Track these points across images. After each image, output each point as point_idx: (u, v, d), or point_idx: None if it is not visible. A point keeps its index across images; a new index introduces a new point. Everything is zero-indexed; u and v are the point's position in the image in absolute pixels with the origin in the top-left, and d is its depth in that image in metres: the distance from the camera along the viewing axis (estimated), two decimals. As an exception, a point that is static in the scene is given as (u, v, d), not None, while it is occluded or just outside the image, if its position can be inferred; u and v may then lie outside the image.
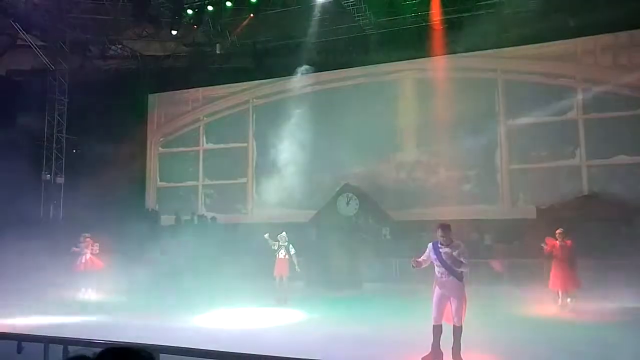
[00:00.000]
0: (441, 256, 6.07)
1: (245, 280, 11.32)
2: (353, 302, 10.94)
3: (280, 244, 10.68)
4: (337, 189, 15.47)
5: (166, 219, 17.64)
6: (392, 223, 14.63)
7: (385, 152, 15.75)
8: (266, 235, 10.65)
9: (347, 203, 15.08)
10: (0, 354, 4.45)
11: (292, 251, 10.61)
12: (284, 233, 10.82)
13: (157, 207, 18.34)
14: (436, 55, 14.58)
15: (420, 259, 6.24)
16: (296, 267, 10.44)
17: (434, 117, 14.59)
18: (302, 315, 9.62)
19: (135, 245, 13.76)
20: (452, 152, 14.56)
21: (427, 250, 6.26)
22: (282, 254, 10.62)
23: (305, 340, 7.18)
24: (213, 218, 17.07)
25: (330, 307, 10.34)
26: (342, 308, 10.28)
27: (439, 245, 6.16)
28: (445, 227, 6.23)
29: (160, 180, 18.79)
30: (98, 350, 1.69)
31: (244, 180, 17.60)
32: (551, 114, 13.89)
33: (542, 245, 9.92)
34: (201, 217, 17.08)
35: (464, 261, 6.06)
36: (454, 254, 6.02)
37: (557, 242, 9.85)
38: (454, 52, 14.65)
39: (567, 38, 13.98)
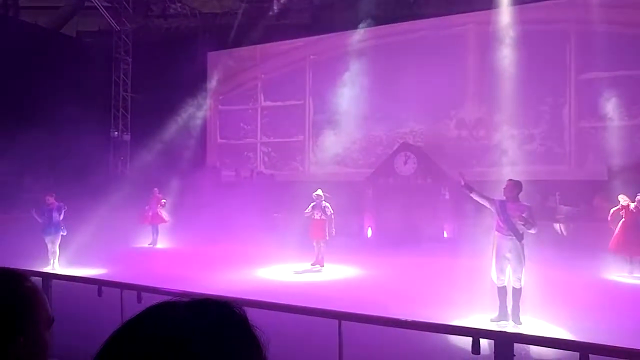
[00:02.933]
0: (506, 213, 5.89)
1: (301, 238, 10.93)
2: (410, 261, 10.62)
3: (314, 203, 9.80)
4: (395, 147, 15.11)
5: (226, 175, 17.72)
6: (451, 183, 13.59)
7: (446, 108, 15.18)
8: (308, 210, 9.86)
9: (405, 162, 14.60)
10: (84, 296, 4.93)
11: (329, 212, 9.74)
12: (319, 191, 9.93)
13: (217, 163, 18.44)
14: (502, 6, 14.02)
15: (474, 189, 6.10)
16: (333, 230, 9.70)
17: (499, 72, 13.85)
18: (358, 272, 9.60)
19: (198, 199, 14.38)
20: (516, 109, 13.88)
21: (491, 202, 6.08)
22: (317, 214, 9.74)
23: (364, 298, 7.17)
24: (271, 175, 17.14)
25: (387, 266, 10.14)
26: (399, 267, 10.06)
27: (506, 202, 5.97)
28: (515, 184, 6.04)
29: (221, 138, 18.87)
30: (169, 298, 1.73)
31: (300, 137, 17.47)
32: (627, 67, 13.02)
33: (622, 203, 9.47)
34: (260, 173, 17.14)
35: (531, 222, 5.82)
36: (524, 214, 5.80)
37: (632, 204, 9.43)
38: (522, 3, 13.95)
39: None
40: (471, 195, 6.16)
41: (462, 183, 6.19)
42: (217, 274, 8.87)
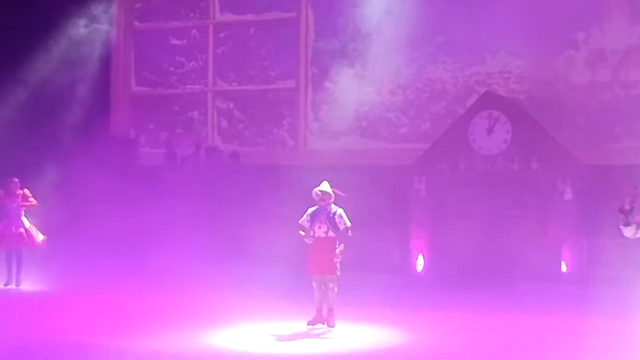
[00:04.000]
0: None
1: (290, 273, 11.08)
2: (496, 321, 10.00)
3: (315, 209, 9.54)
4: (471, 101, 14.27)
5: (149, 154, 16.95)
6: (576, 168, 13.14)
7: (569, 29, 14.22)
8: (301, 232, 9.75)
9: (490, 130, 13.43)
10: None
11: (344, 225, 9.37)
12: (325, 185, 9.54)
13: (132, 131, 17.73)
14: None
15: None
16: (344, 254, 9.44)
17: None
18: (398, 340, 9.07)
19: (95, 198, 14.25)
20: None
21: None
22: (320, 229, 9.42)
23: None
24: (234, 154, 15.91)
25: (452, 330, 9.49)
26: (476, 332, 9.39)
27: None
28: None
29: (138, 84, 18.04)
30: None
31: (290, 84, 16.58)
32: None
33: None
34: (212, 151, 16.17)
35: None
36: None
37: None
38: None
39: None
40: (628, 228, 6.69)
41: (627, 206, 6.63)
42: (133, 341, 8.47)
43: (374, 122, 15.30)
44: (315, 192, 9.46)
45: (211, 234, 13.53)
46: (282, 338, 9.21)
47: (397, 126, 15.30)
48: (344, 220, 9.37)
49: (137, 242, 13.13)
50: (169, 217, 13.20)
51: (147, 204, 13.32)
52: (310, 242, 9.49)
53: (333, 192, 9.47)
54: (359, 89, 14.74)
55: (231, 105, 17.23)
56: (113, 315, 10.32)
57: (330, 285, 9.42)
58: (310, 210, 9.46)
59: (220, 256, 13.01)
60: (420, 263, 13.53)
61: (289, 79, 16.64)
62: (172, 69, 17.78)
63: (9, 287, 12.69)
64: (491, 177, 13.28)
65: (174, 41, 17.74)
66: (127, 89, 18.39)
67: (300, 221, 9.54)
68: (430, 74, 15.14)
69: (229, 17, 17.27)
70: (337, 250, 9.36)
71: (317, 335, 9.30)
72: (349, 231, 9.39)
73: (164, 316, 10.13)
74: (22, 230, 12.75)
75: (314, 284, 9.54)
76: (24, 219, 12.81)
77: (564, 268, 12.65)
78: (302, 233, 9.44)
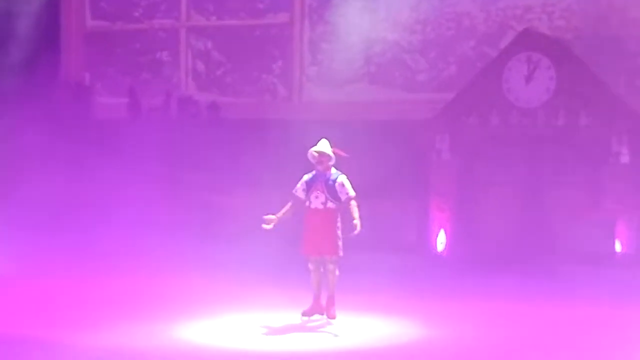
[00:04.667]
0: None
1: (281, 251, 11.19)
2: (534, 313, 9.80)
3: (311, 175, 9.40)
4: (503, 42, 14.16)
5: (106, 105, 16.66)
6: (635, 124, 12.96)
7: None
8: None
9: (529, 75, 13.27)
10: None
11: (346, 194, 9.22)
12: (323, 144, 9.37)
13: (87, 76, 17.28)
14: None
15: None
16: (356, 222, 9.11)
17: None
18: (415, 335, 8.92)
19: (39, 160, 14.17)
20: None
21: None
22: (318, 199, 9.30)
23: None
24: (212, 106, 15.83)
25: (480, 322, 9.33)
26: (509, 326, 9.19)
27: None
28: None
29: (95, 17, 17.68)
30: None
31: (282, 18, 16.30)
32: None
33: None
34: (185, 102, 15.99)
35: None
36: None
37: None
38: None
39: None
40: None
41: None
42: (83, 337, 8.18)
43: (386, 66, 14.98)
44: (311, 154, 9.20)
45: (183, 204, 13.36)
46: (270, 332, 8.93)
47: (415, 71, 15.00)
48: (346, 189, 9.06)
49: (87, 212, 12.93)
50: (130, 184, 12.97)
51: (102, 167, 13.07)
52: (270, 227, 9.18)
53: (334, 153, 9.16)
54: (368, 25, 14.37)
55: (209, 45, 16.82)
56: (55, 305, 10.00)
57: (331, 267, 9.16)
58: (306, 176, 9.20)
59: (193, 231, 12.82)
60: (441, 241, 13.25)
61: (281, 12, 16.23)
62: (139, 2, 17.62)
63: None
64: (530, 136, 12.93)
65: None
66: (81, 24, 17.88)
67: (293, 191, 9.31)
68: (455, 7, 14.82)
69: None
70: (340, 234, 9.17)
71: (314, 329, 9.03)
72: (353, 202, 9.07)
73: (121, 306, 9.80)
74: None
75: (310, 266, 9.26)
76: None
77: (618, 248, 12.36)
78: (267, 225, 9.08)
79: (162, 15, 17.19)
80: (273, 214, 9.38)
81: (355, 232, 8.93)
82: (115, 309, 9.65)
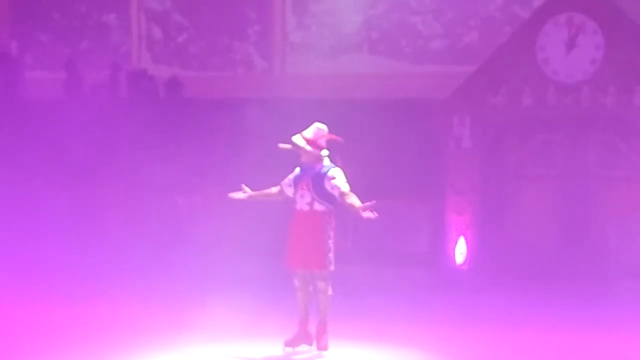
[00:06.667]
0: None
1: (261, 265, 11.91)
2: (578, 342, 9.70)
3: (299, 172, 9.32)
4: (537, 1, 14.09)
5: (38, 80, 16.25)
6: None
7: None
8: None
9: (571, 43, 13.02)
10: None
11: (340, 190, 8.95)
12: (316, 127, 9.24)
13: (15, 44, 17.11)
14: None
15: None
16: (360, 206, 8.98)
17: None
18: None
19: None
20: None
21: None
22: (303, 199, 9.24)
23: None
24: (172, 82, 15.37)
25: (507, 354, 9.39)
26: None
27: None
28: None
29: None
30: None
31: None
32: None
33: None
34: (138, 76, 15.50)
35: None
36: None
37: None
38: None
39: None
40: None
41: None
42: None
43: (391, 32, 14.59)
44: (294, 142, 8.81)
45: (136, 206, 13.23)
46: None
47: (427, 38, 14.63)
48: (338, 184, 8.53)
49: (6, 215, 12.92)
50: (65, 178, 12.94)
51: (30, 158, 13.18)
52: (238, 197, 9.07)
53: (327, 140, 8.83)
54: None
55: (168, 5, 16.36)
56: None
57: (321, 285, 8.77)
58: (297, 170, 8.93)
59: (151, 240, 12.73)
60: (460, 251, 12.86)
61: (257, -34, 15.27)
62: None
63: None
64: (572, 117, 12.52)
65: None
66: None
67: (281, 182, 9.14)
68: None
69: None
70: (331, 243, 8.78)
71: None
72: (350, 199, 8.44)
73: (60, 336, 9.20)
74: None
75: (296, 283, 8.88)
76: None
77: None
78: (237, 194, 9.06)
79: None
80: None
81: (366, 215, 8.36)
82: (56, 339, 9.10)
